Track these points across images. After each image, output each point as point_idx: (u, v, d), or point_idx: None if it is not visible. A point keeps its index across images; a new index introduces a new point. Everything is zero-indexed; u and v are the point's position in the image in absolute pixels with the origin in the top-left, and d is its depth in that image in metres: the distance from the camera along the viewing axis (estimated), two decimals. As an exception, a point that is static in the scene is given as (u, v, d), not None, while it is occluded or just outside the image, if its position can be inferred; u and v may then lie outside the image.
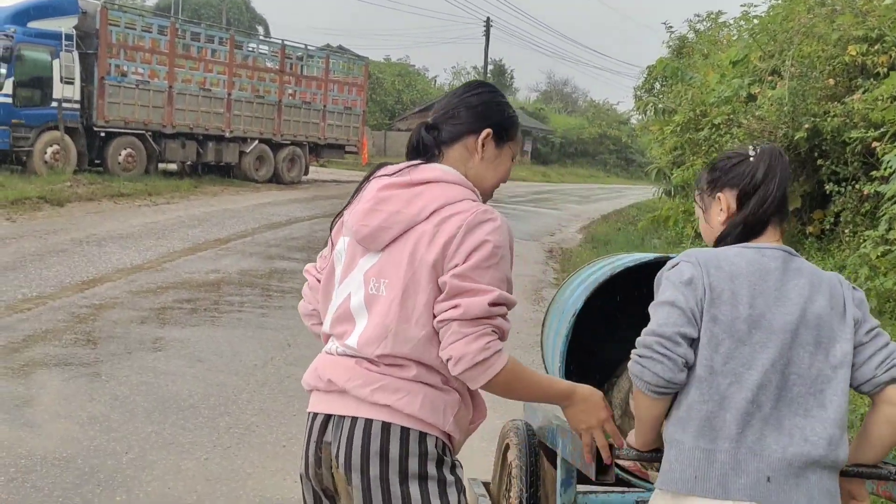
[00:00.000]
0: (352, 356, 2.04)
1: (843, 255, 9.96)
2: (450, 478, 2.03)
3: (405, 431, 1.98)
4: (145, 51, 21.22)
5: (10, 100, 17.87)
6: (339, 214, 2.19)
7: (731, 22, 18.22)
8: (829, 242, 10.62)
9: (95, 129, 19.67)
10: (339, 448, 2.00)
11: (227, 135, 22.91)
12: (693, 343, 1.90)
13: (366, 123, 29.16)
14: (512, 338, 6.71)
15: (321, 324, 2.23)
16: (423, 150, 2.15)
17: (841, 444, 1.89)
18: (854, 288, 2.04)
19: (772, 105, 10.75)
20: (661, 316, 1.93)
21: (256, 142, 23.78)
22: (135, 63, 20.88)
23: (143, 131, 20.69)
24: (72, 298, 8.03)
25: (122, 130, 20.21)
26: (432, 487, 1.98)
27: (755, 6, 15.54)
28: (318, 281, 2.26)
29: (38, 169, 18.15)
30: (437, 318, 1.95)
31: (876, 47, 9.59)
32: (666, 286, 1.98)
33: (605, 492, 2.61)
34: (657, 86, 23.55)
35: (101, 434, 4.70)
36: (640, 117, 31.54)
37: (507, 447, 3.15)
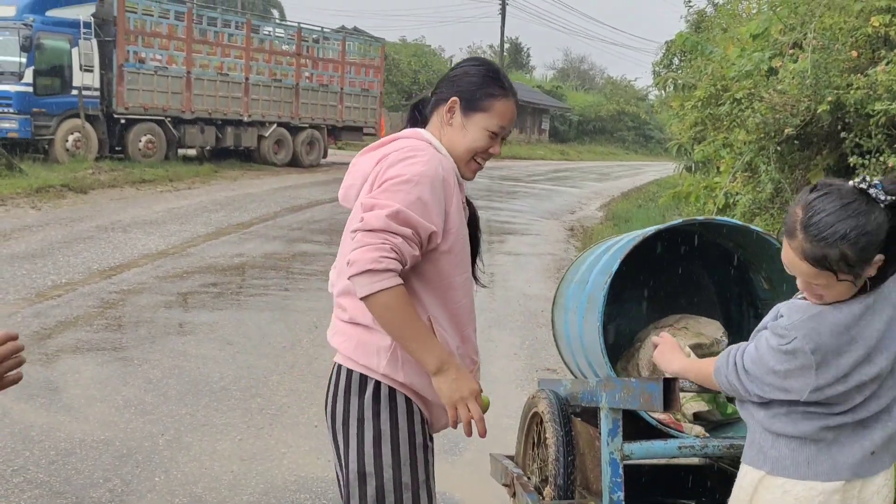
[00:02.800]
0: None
1: (867, 229, 9.92)
2: (389, 424, 2.09)
3: (349, 373, 2.14)
4: (163, 37, 21.28)
5: (30, 88, 17.99)
6: None
7: (751, -5, 18.03)
8: (853, 216, 10.57)
9: (115, 116, 19.77)
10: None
11: (246, 119, 22.98)
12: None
13: (383, 105, 29.13)
14: (535, 315, 6.74)
15: None
16: (412, 118, 2.36)
17: None
18: None
19: (793, 78, 10.67)
20: (773, 361, 1.97)
21: (275, 125, 23.84)
22: (153, 49, 20.95)
23: (163, 117, 20.79)
24: (100, 284, 8.13)
25: (142, 117, 20.31)
26: (360, 427, 2.09)
27: (774, -22, 15.39)
28: None
29: (59, 157, 18.31)
30: (352, 228, 2.06)
31: (899, 17, 9.48)
32: (778, 356, 1.97)
33: (649, 440, 2.66)
34: (676, 61, 23.40)
35: (137, 417, 4.78)
36: (660, 93, 31.29)
37: (534, 416, 3.21)
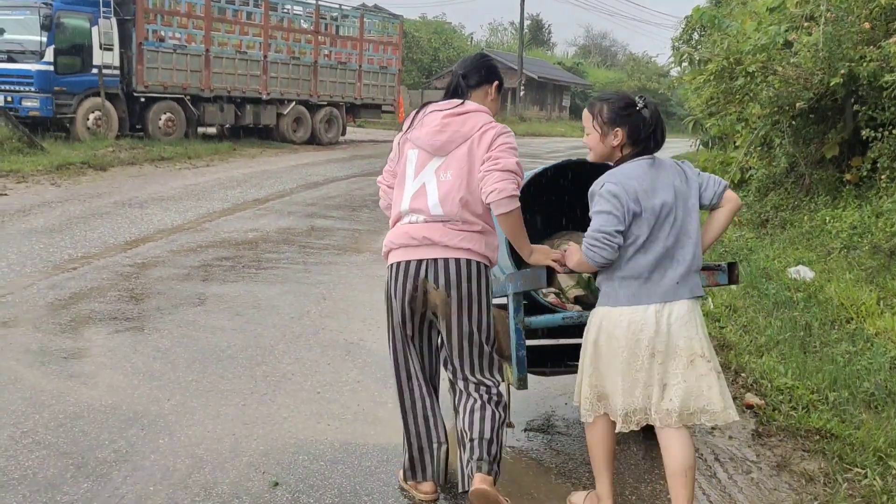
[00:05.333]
0: (439, 221, 3.35)
1: (880, 203, 9.87)
2: (490, 290, 3.50)
3: (478, 264, 3.40)
4: (181, 15, 21.41)
5: (51, 67, 18.18)
6: (404, 133, 3.51)
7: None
8: (868, 189, 10.52)
9: (135, 94, 19.96)
10: (438, 276, 3.35)
11: (265, 97, 23.10)
12: (623, 233, 3.14)
13: (402, 82, 29.15)
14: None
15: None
16: (457, 90, 3.51)
17: (700, 257, 3.26)
18: (684, 161, 3.35)
19: (807, 51, 10.59)
20: (603, 220, 3.15)
21: (293, 103, 23.95)
22: (172, 28, 21.09)
23: (182, 95, 20.96)
24: (115, 258, 8.28)
25: (162, 95, 20.49)
26: (487, 293, 3.45)
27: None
28: (389, 187, 3.62)
29: (80, 135, 18.52)
30: (484, 169, 3.27)
31: (914, -11, 9.39)
32: (600, 201, 3.17)
33: (542, 314, 3.92)
34: (696, 36, 23.22)
35: (145, 383, 4.91)
36: (679, 69, 30.99)
37: None
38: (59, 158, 14.96)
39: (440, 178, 3.33)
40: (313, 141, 24.82)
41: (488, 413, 3.41)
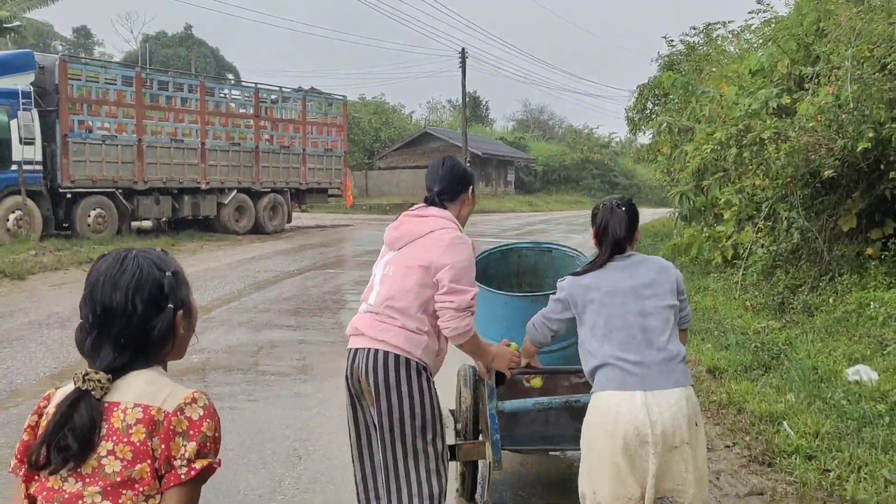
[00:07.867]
0: (369, 312, 3.49)
1: (922, 281, 8.63)
2: (423, 385, 3.42)
3: (396, 357, 3.39)
4: (110, 104, 19.88)
5: (-35, 166, 16.42)
6: None
7: (737, 31, 17.00)
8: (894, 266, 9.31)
9: (61, 190, 18.28)
10: (362, 366, 3.42)
11: (204, 186, 21.53)
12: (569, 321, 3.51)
13: (347, 164, 27.79)
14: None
15: None
16: (432, 203, 3.65)
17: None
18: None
19: (821, 115, 9.43)
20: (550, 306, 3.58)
21: (235, 192, 22.42)
22: (100, 117, 19.55)
23: (113, 189, 19.32)
24: (21, 408, 6.52)
25: (91, 190, 18.83)
26: (410, 385, 3.39)
27: (763, 12, 14.38)
28: None
29: (0, 238, 16.68)
30: (439, 305, 3.38)
31: (948, 41, 8.31)
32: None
33: (514, 399, 4.30)
34: (650, 105, 22.39)
35: None
36: (634, 138, 30.28)
37: (463, 382, 4.67)
38: (-30, 268, 13.09)
39: (385, 271, 3.50)
40: (257, 230, 23.22)
41: None
